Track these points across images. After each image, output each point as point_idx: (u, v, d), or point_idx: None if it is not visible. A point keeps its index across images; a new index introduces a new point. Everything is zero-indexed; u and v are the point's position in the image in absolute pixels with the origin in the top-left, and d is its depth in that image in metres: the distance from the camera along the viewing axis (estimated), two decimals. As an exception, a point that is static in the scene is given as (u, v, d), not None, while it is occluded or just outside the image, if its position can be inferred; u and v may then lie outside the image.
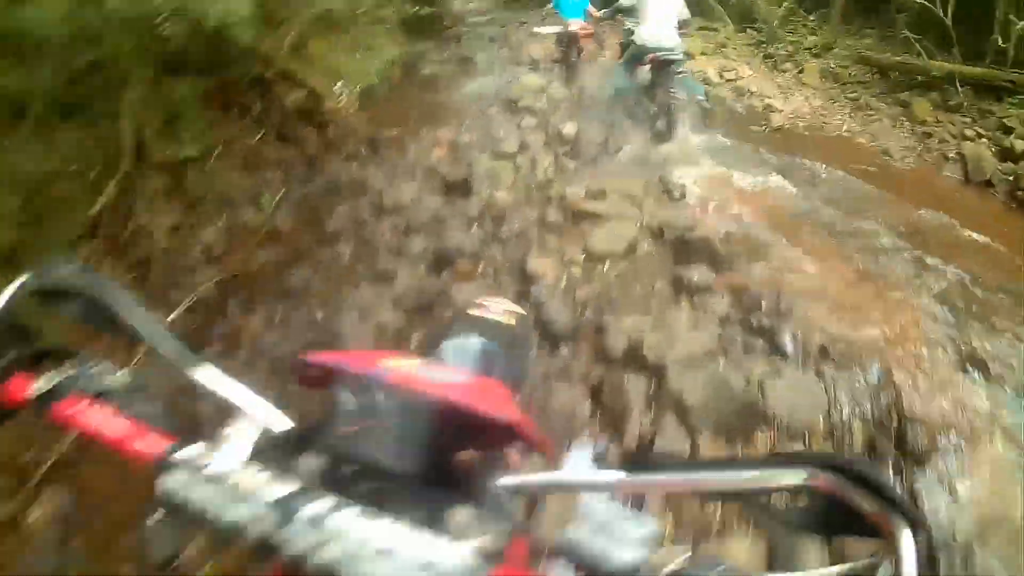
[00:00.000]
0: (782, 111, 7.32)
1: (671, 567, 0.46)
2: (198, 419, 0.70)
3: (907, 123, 7.21)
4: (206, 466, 0.49)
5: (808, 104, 7.62)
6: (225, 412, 0.56)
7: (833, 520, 0.46)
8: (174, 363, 0.59)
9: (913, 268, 4.18)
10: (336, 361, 0.61)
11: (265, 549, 0.44)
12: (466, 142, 6.07)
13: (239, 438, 0.54)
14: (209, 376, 0.59)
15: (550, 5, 8.25)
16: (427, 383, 0.61)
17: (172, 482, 0.48)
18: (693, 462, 0.55)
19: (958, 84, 7.19)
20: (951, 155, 6.54)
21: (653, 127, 6.02)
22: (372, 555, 0.42)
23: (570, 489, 0.56)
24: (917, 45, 7.71)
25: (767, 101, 7.55)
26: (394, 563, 0.42)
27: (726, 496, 0.56)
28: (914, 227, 4.85)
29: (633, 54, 5.98)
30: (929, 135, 6.92)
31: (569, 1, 7.63)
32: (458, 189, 4.96)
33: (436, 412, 0.57)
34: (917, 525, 0.41)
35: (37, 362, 0.58)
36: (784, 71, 8.59)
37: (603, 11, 6.95)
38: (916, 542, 0.41)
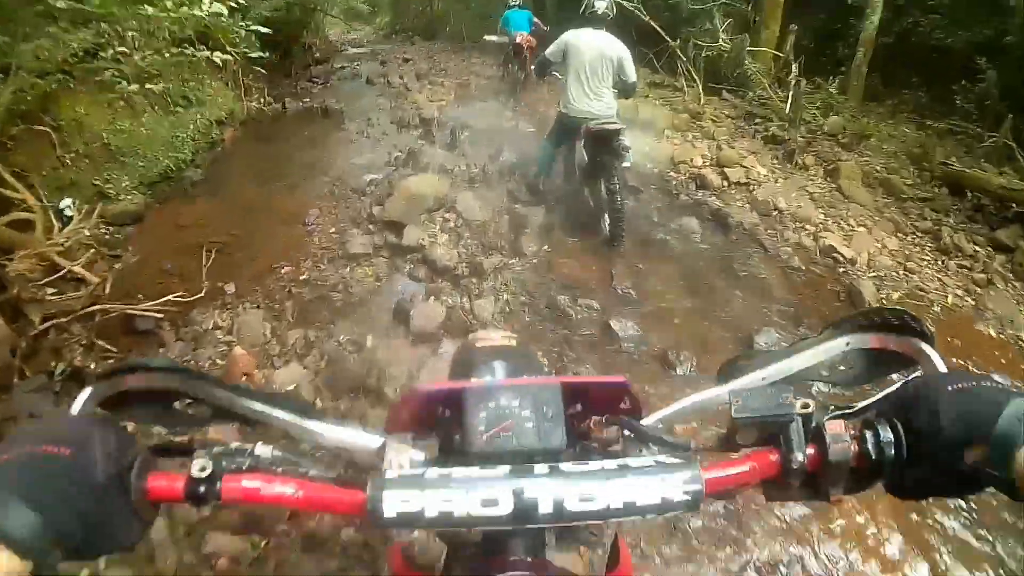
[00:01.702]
0: (854, 260, 4.41)
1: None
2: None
3: (1019, 285, 4.58)
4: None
5: (876, 240, 4.79)
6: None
7: (870, 366, 0.63)
8: (291, 427, 0.61)
9: None
10: (451, 385, 0.63)
11: (510, 527, 0.50)
12: (279, 380, 2.58)
13: (402, 462, 0.56)
14: (328, 428, 0.61)
15: (501, 24, 8.27)
16: (543, 377, 0.69)
17: (396, 502, 0.50)
18: (768, 354, 0.64)
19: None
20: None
21: (599, 229, 4.20)
22: (611, 483, 0.49)
23: (698, 410, 0.64)
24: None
25: (823, 238, 4.62)
26: (628, 482, 0.50)
27: (801, 376, 0.64)
28: None
29: (559, 126, 4.46)
30: (1062, 308, 4.31)
31: (516, 15, 7.94)
32: None
33: (559, 394, 0.60)
34: (933, 340, 0.59)
35: (159, 460, 0.55)
36: (806, 168, 5.78)
37: (534, 68, 5.02)
38: (935, 350, 0.58)
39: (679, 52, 7.17)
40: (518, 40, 7.63)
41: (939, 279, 4.55)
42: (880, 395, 0.55)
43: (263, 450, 0.55)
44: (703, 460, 0.53)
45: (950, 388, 0.48)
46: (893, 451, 0.50)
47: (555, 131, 4.47)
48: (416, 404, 0.64)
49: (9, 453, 0.47)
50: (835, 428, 0.52)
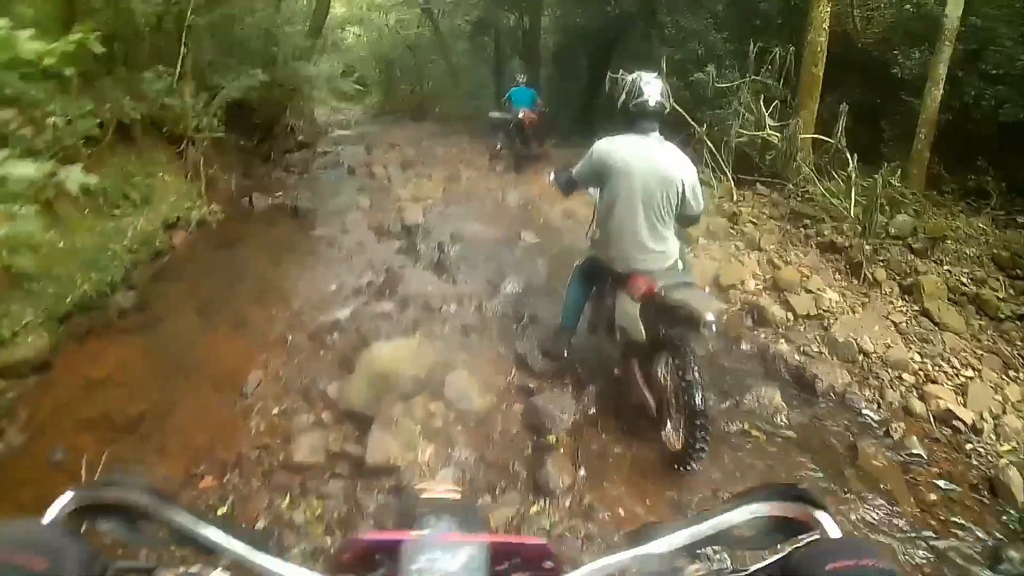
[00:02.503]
0: (978, 427, 3.30)
1: None
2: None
3: None
4: None
5: (992, 389, 3.67)
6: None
7: (771, 532, 0.62)
8: (243, 561, 0.58)
9: None
10: (389, 537, 0.64)
11: None
12: None
13: None
14: (278, 565, 0.58)
15: (505, 98, 8.82)
16: (474, 535, 0.67)
17: None
18: (678, 522, 0.64)
19: None
20: None
21: (659, 433, 2.83)
22: None
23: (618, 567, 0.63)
24: None
25: (932, 397, 3.49)
26: None
27: (708, 541, 0.64)
28: None
29: (591, 269, 3.17)
30: None
31: (520, 93, 8.50)
32: None
33: (487, 552, 0.62)
34: (827, 509, 0.59)
35: None
36: (878, 284, 4.70)
37: (554, 182, 3.39)
38: (829, 515, 0.58)
39: (705, 139, 6.20)
40: (520, 116, 8.05)
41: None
42: (770, 560, 0.57)
43: None
44: None
45: (828, 568, 0.50)
46: None
47: (584, 272, 3.20)
48: (358, 550, 0.66)
49: None
50: None
